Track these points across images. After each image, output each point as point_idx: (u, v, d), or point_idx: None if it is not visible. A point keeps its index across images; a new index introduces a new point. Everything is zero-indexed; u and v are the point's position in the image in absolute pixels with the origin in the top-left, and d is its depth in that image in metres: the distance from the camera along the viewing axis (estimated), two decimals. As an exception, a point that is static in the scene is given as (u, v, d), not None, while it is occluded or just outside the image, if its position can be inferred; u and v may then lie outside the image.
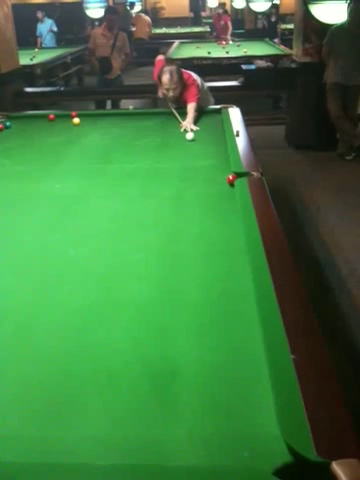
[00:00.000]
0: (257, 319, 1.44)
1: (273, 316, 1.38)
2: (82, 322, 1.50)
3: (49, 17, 11.47)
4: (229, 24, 13.00)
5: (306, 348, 1.24)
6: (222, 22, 12.99)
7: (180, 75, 3.91)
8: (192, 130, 3.54)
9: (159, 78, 3.93)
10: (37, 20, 11.27)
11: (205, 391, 1.20)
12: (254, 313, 1.47)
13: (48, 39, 11.38)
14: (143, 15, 14.43)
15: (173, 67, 3.92)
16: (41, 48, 10.73)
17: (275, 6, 13.56)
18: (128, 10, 14.02)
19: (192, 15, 21.31)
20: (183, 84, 3.94)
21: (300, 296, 1.49)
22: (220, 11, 13.33)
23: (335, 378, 1.15)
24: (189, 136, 3.38)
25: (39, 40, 11.35)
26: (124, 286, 1.70)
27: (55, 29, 11.52)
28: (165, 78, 3.85)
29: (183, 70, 4.02)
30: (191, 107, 3.88)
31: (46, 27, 11.38)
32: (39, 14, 11.17)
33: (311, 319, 1.36)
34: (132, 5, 14.54)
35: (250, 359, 1.30)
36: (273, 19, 13.50)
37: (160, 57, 4.58)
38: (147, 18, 14.32)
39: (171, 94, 3.92)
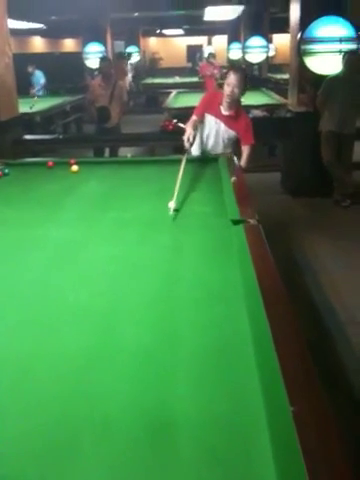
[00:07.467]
0: (255, 367, 1.42)
1: (271, 364, 1.36)
2: (80, 367, 1.49)
3: (39, 69, 11.85)
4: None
5: (305, 399, 1.22)
6: (215, 71, 12.20)
7: (246, 82, 4.07)
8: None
9: (225, 76, 4.14)
10: (28, 74, 11.61)
11: (203, 441, 1.18)
12: (252, 361, 1.45)
13: (39, 90, 11.72)
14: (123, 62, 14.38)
15: None
16: (40, 96, 10.97)
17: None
18: (122, 60, 14.11)
19: (190, 65, 21.90)
20: (239, 99, 4.12)
21: (298, 344, 1.48)
22: (212, 60, 12.68)
23: (335, 429, 1.12)
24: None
25: (33, 91, 11.67)
26: (122, 331, 1.69)
27: (42, 81, 11.85)
28: (232, 75, 4.00)
29: None
30: (246, 150, 4.15)
31: (37, 79, 11.78)
32: (30, 68, 11.54)
33: (310, 368, 1.35)
34: (122, 55, 14.67)
35: (248, 409, 1.28)
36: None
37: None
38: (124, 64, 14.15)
39: (229, 91, 3.99)
